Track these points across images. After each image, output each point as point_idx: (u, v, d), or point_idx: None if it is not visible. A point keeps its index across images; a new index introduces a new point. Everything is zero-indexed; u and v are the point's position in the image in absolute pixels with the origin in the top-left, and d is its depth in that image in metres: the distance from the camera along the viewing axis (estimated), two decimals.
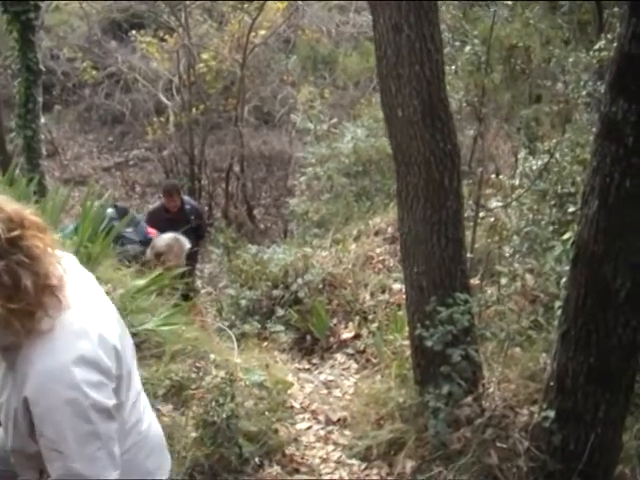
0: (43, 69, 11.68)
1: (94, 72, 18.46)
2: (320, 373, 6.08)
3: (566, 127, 6.59)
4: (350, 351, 6.31)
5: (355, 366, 6.13)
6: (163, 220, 7.83)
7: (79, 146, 19.92)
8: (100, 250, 5.00)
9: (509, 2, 6.88)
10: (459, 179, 4.44)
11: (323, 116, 13.08)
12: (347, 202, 10.18)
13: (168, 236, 6.49)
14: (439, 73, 4.28)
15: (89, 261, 4.68)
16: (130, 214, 6.80)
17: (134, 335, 4.44)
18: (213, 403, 4.20)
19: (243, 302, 6.79)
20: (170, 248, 6.30)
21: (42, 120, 11.95)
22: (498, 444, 4.15)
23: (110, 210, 6.60)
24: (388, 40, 4.25)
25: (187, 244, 6.47)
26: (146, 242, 6.44)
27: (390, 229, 8.05)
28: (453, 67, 6.43)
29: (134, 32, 17.50)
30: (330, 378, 5.95)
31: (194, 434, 4.11)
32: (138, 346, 4.46)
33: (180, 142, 16.98)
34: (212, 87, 17.14)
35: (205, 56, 16.55)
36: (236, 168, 16.82)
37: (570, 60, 7.13)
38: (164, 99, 17.58)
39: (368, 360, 6.08)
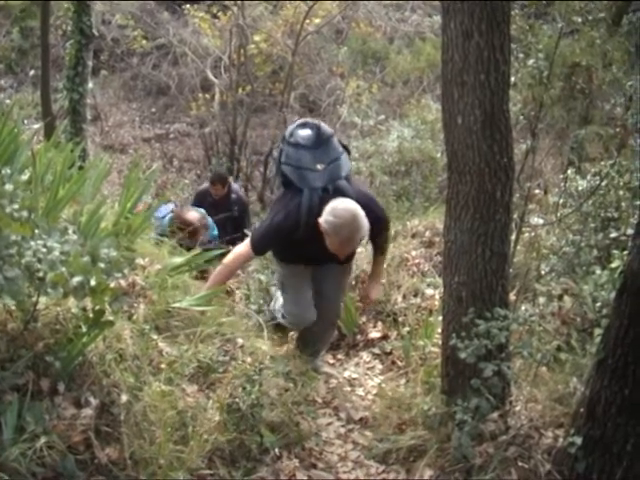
0: (96, 33, 11.72)
1: (144, 41, 18.53)
2: (344, 370, 6.05)
3: (619, 152, 6.51)
4: (376, 351, 6.28)
5: (380, 367, 6.10)
6: (207, 203, 8.60)
7: (121, 114, 20.00)
8: (140, 223, 4.97)
9: (579, 19, 6.79)
10: (511, 193, 4.39)
11: (370, 111, 13.08)
12: (387, 201, 10.17)
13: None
14: (504, 85, 4.22)
15: (128, 233, 4.66)
16: None
17: (168, 312, 4.46)
18: (240, 389, 4.19)
19: (272, 289, 6.75)
20: None
21: (90, 85, 12.00)
22: (520, 463, 4.09)
23: None
24: (456, 45, 4.20)
25: None
26: None
27: (428, 233, 8.01)
28: (513, 79, 6.36)
29: (188, 6, 17.49)
30: (354, 376, 5.93)
31: (217, 418, 4.08)
32: (171, 324, 4.47)
33: (223, 121, 16.95)
34: (260, 69, 17.14)
35: (257, 38, 16.52)
36: (276, 153, 16.71)
37: (629, 84, 7.06)
38: (211, 76, 17.54)
39: (394, 362, 6.04)
